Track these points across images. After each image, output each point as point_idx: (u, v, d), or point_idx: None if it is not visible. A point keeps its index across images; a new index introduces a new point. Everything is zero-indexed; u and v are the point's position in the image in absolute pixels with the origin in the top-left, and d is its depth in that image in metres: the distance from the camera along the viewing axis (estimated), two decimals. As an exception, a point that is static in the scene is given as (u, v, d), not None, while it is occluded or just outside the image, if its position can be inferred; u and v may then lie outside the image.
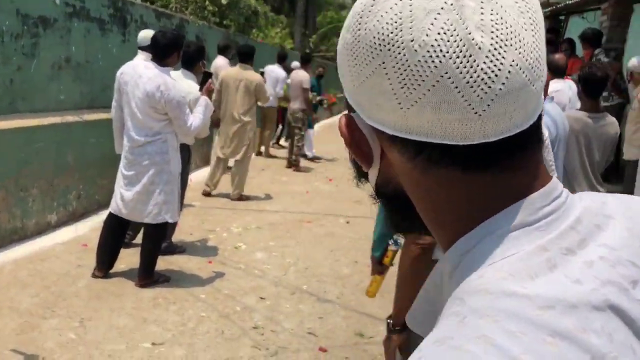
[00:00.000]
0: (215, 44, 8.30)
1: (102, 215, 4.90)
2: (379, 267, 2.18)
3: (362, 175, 0.62)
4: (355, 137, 0.56)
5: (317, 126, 10.75)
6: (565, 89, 4.82)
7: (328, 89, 11.29)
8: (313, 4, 23.99)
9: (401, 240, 2.09)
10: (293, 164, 9.01)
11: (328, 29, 24.82)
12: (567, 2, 7.64)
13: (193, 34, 8.01)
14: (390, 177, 0.57)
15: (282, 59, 10.05)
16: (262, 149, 9.99)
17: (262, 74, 7.24)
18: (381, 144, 0.55)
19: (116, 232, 4.05)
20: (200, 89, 4.25)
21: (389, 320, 1.86)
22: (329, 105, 11.29)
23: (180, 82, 4.12)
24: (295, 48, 17.12)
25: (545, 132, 1.82)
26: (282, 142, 11.12)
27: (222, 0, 10.27)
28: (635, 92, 5.31)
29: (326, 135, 12.82)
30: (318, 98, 9.94)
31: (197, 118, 3.94)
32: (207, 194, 6.66)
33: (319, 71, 11.32)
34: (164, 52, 3.85)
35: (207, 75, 4.29)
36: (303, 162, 9.27)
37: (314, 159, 9.97)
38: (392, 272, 2.24)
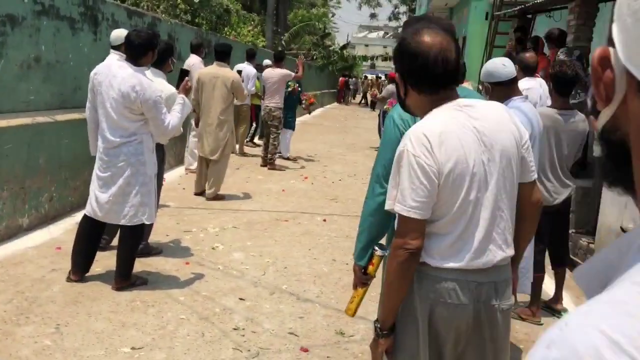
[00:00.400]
0: (188, 42, 8.21)
1: (76, 218, 4.81)
2: (364, 277, 2.10)
3: (594, 112, 0.58)
4: (605, 72, 0.53)
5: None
6: (535, 87, 4.92)
7: (306, 88, 11.28)
8: (284, 2, 23.89)
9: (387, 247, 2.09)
10: (268, 163, 8.97)
11: (299, 27, 24.76)
12: (535, 1, 7.76)
13: (165, 33, 7.90)
14: (621, 125, 0.53)
15: (252, 57, 10.01)
16: (236, 147, 9.92)
17: (239, 72, 7.20)
18: (627, 89, 0.51)
19: (92, 235, 3.98)
20: (177, 87, 4.20)
21: (376, 324, 1.86)
22: (307, 105, 11.29)
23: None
24: (267, 46, 17.04)
25: (526, 134, 1.84)
26: (256, 140, 11.06)
27: (194, -2, 10.19)
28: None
29: (302, 134, 12.80)
30: (297, 86, 9.82)
31: (174, 117, 3.88)
32: (199, 194, 6.72)
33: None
34: (139, 51, 3.80)
35: (184, 73, 4.24)
36: (278, 161, 9.24)
37: (288, 158, 9.94)
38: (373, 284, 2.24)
